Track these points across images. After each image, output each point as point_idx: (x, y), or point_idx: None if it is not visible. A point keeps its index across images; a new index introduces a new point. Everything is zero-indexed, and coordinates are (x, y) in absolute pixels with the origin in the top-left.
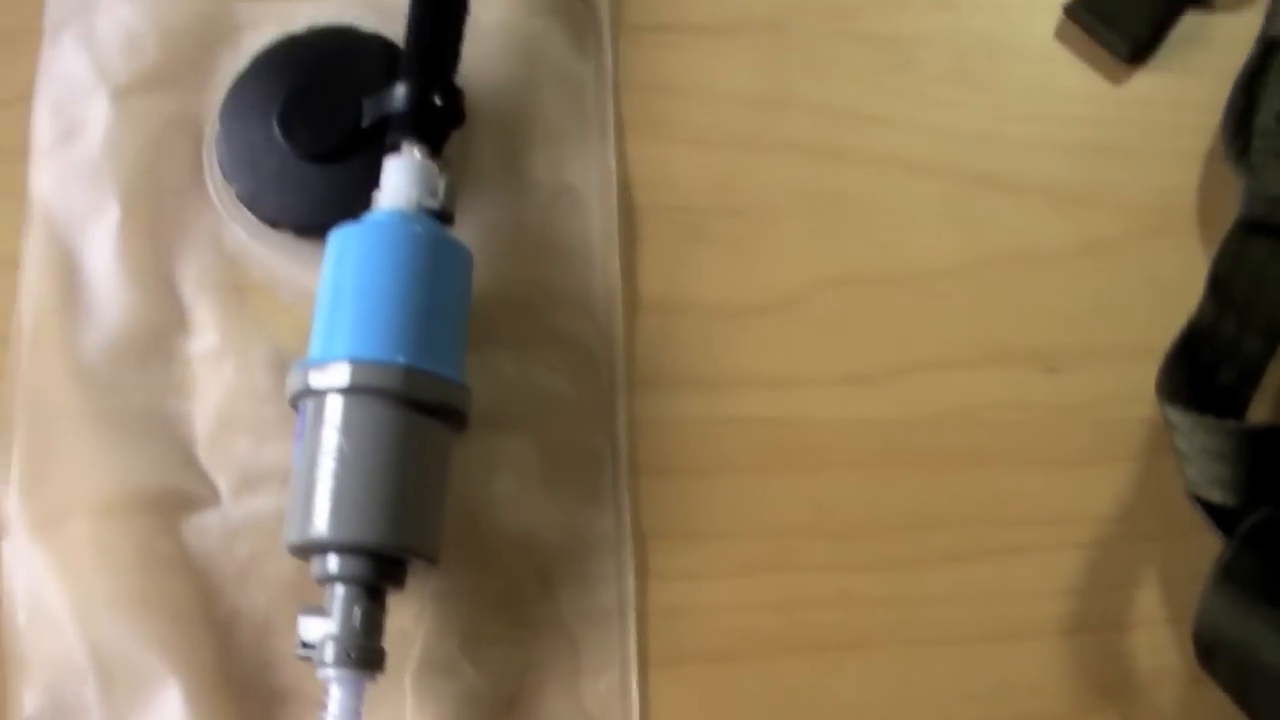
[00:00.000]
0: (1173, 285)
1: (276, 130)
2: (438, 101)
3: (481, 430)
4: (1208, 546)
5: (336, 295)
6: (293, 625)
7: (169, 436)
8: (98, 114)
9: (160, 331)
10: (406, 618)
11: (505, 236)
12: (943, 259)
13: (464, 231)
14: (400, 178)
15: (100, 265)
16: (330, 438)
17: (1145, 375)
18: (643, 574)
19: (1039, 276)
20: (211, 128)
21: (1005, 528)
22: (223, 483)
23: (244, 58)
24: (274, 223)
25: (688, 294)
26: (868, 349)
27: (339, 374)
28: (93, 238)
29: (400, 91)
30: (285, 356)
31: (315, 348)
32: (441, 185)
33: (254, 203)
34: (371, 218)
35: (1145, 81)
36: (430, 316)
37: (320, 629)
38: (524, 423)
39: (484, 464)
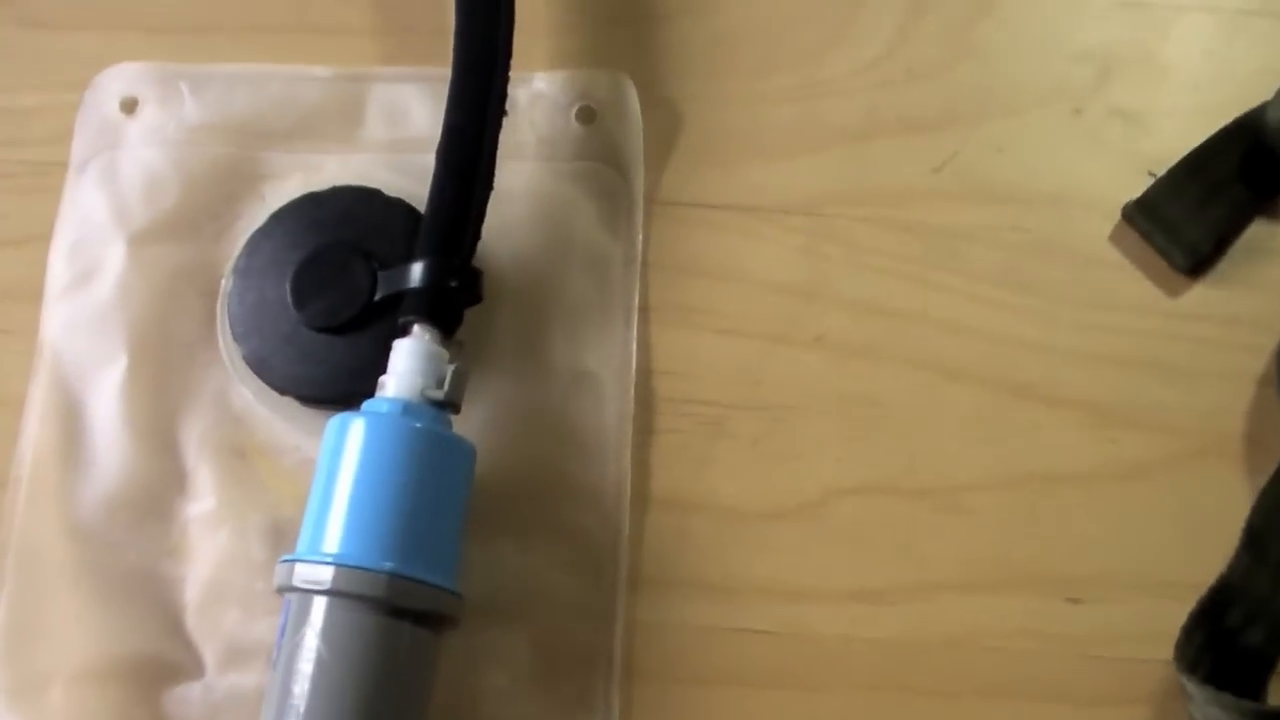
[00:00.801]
0: (1211, 518)
1: (289, 296)
2: (453, 284)
3: (476, 619)
4: None
5: (329, 487)
6: None
7: (158, 601)
8: (113, 259)
9: (158, 491)
10: None
11: (517, 419)
12: (972, 473)
13: (474, 409)
14: (407, 363)
15: (103, 416)
16: (310, 640)
17: (1171, 613)
18: None
19: (1071, 499)
20: (226, 282)
21: None
22: (208, 654)
23: (264, 212)
24: (280, 389)
25: (703, 493)
26: (885, 564)
27: (323, 575)
28: (98, 386)
29: (416, 270)
30: (283, 527)
31: (305, 539)
32: (449, 374)
33: (261, 368)
34: (371, 407)
35: (1202, 294)
36: (424, 517)
37: None
38: (520, 616)
39: (476, 656)
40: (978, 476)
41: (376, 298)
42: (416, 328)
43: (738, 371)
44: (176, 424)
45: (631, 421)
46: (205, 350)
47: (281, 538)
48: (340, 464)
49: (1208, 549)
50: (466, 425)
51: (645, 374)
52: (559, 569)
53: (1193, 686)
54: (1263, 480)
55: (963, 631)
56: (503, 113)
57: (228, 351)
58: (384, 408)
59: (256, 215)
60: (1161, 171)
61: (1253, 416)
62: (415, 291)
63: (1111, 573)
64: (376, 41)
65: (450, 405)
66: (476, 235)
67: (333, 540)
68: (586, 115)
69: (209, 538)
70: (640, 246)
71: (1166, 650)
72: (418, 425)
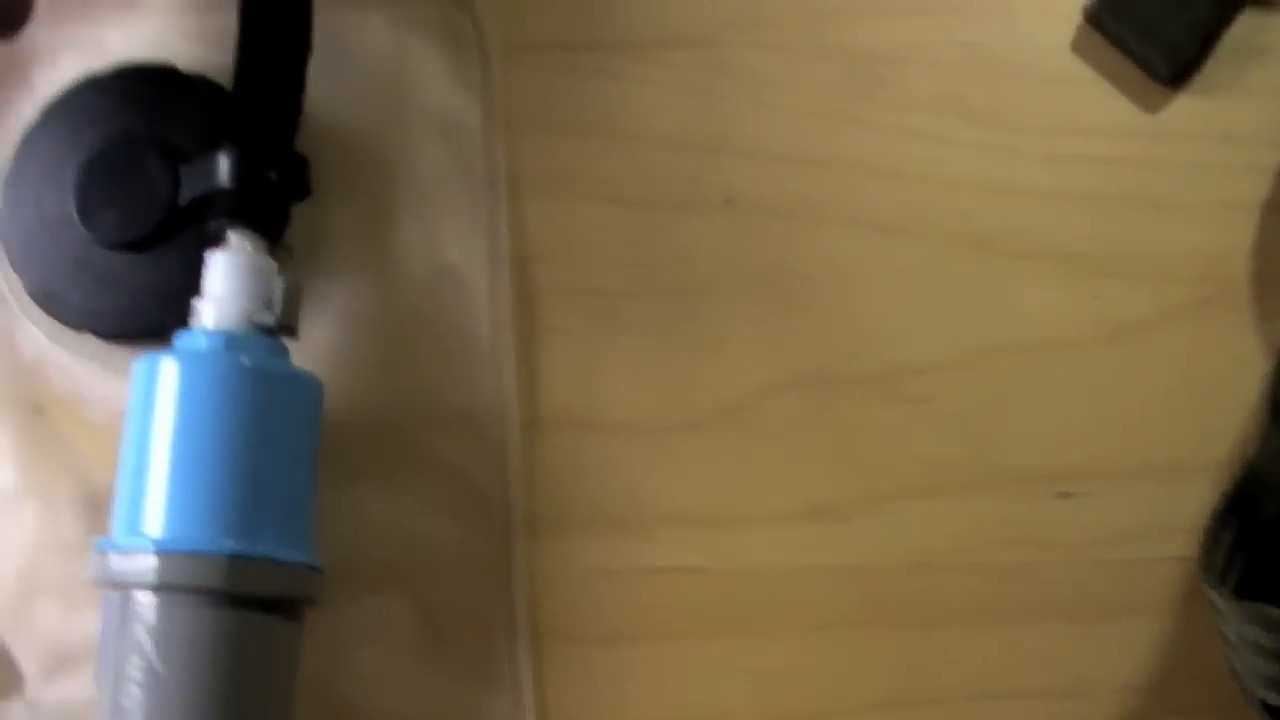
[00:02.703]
0: (1221, 381)
1: (73, 209)
2: (274, 176)
3: (342, 589)
4: None
5: (143, 450)
6: None
7: None
8: None
9: None
10: None
11: (367, 334)
12: (927, 351)
13: (313, 330)
14: (225, 284)
15: None
16: (138, 645)
17: (1182, 502)
18: None
19: (1050, 373)
20: None
21: (1004, 703)
22: (27, 662)
23: (34, 104)
24: (76, 326)
25: (602, 405)
26: (832, 473)
27: (145, 565)
28: None
29: (225, 164)
30: (98, 498)
31: (120, 518)
32: (279, 291)
33: (50, 301)
34: (186, 343)
35: (1188, 108)
36: (265, 478)
37: None
38: (396, 579)
39: (344, 634)
40: (935, 355)
41: (181, 202)
42: (233, 235)
43: (631, 250)
44: None
45: (510, 325)
46: None
47: (98, 511)
48: (153, 419)
49: (1220, 420)
50: (305, 352)
51: (519, 262)
52: (437, 515)
53: (1223, 602)
54: None
55: (931, 548)
56: None
57: (7, 283)
58: (202, 343)
59: (24, 109)
60: None
61: (1262, 254)
62: (227, 191)
63: (1106, 458)
64: None
65: (284, 330)
66: (297, 111)
67: (154, 518)
68: None
69: (12, 520)
70: (499, 102)
71: (1180, 545)
72: (245, 362)
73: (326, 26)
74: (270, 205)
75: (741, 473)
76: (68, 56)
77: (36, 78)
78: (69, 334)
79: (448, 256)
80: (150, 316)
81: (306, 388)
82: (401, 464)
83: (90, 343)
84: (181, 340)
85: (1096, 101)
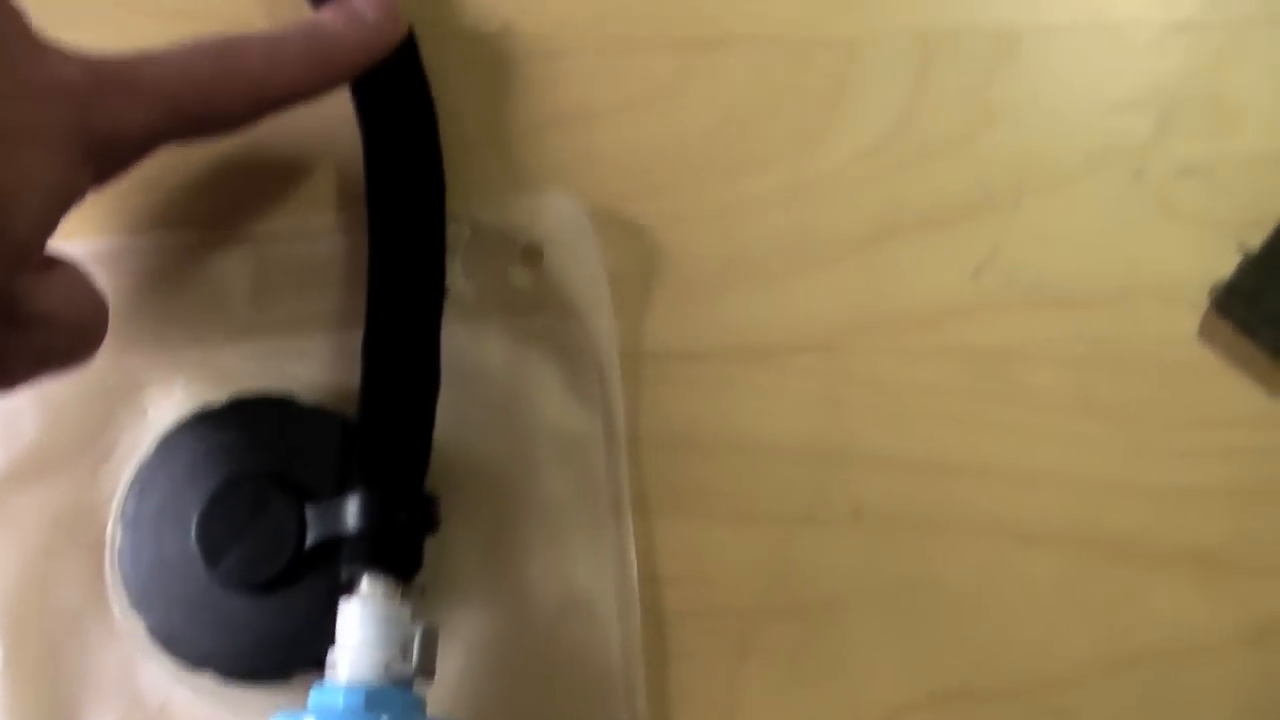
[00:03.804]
0: None
1: (196, 551)
2: (404, 518)
3: None
4: None
5: None
6: None
7: None
8: None
9: None
10: None
11: (496, 666)
12: (1067, 663)
13: (441, 660)
14: (360, 634)
15: None
16: None
17: None
18: None
19: (1196, 680)
20: (113, 534)
21: None
22: None
23: (149, 432)
24: (197, 666)
25: None
26: None
27: None
28: None
29: (354, 508)
30: None
31: None
32: (417, 637)
33: (171, 641)
34: (323, 700)
35: None
36: None
37: None
38: None
39: None
40: (1075, 666)
41: (308, 544)
42: (366, 582)
43: (760, 567)
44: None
45: (641, 653)
46: (98, 622)
47: None
48: None
49: None
50: (435, 685)
51: (648, 583)
52: None
53: None
54: None
55: None
56: (443, 289)
57: (127, 623)
58: (339, 701)
59: (140, 437)
60: (1255, 241)
61: None
62: (357, 535)
63: None
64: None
65: (422, 675)
66: (427, 449)
67: None
68: (532, 255)
69: None
70: (621, 417)
71: None
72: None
73: (444, 343)
74: (402, 548)
75: None
76: (179, 380)
77: (149, 405)
78: (190, 674)
79: (576, 583)
80: (273, 658)
81: None
82: None
83: (212, 682)
84: (317, 697)
85: (1227, 391)
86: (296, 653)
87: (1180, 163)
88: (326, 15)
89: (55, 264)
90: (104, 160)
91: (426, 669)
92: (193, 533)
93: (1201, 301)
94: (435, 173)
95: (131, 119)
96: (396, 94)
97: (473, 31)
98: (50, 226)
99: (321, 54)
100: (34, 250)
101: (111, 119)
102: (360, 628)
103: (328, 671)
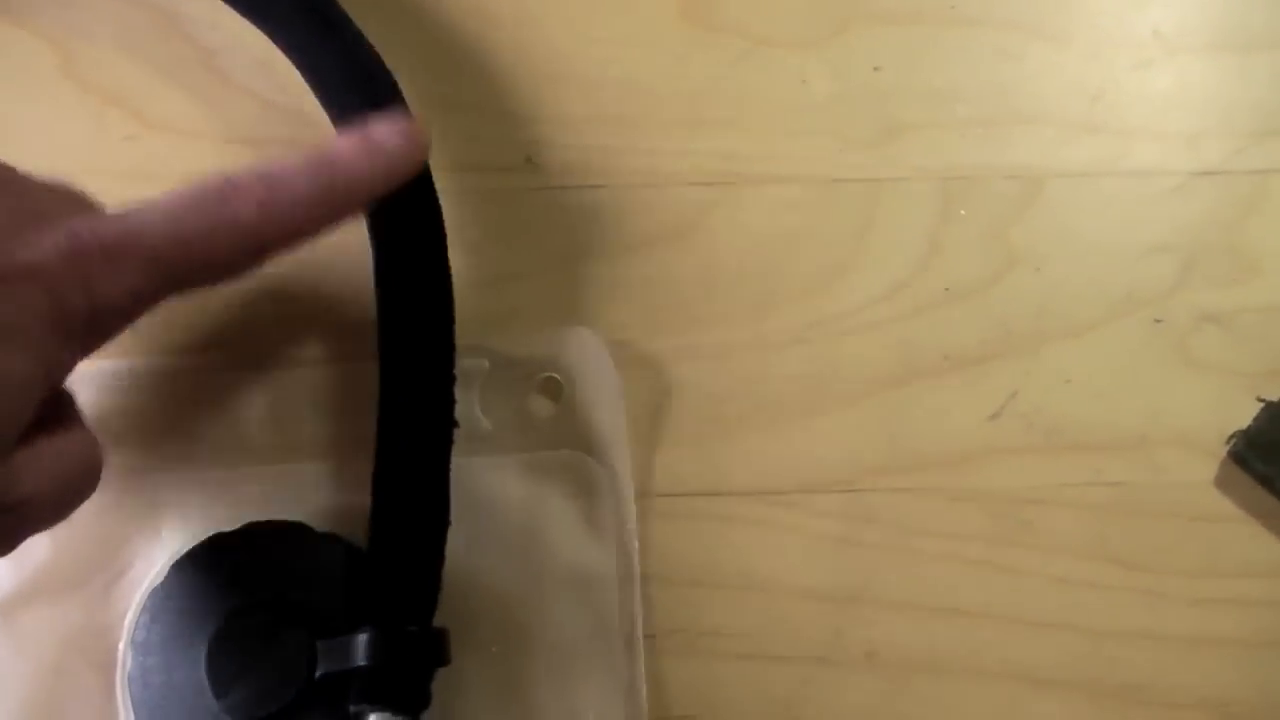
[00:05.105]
0: None
1: (205, 680)
2: (412, 656)
3: None
4: None
5: None
6: None
7: None
8: None
9: None
10: None
11: None
12: None
13: None
14: None
15: None
16: None
17: None
18: None
19: None
20: (125, 657)
21: None
22: None
23: (162, 552)
24: None
25: None
26: None
27: None
28: None
29: (363, 643)
30: None
31: None
32: None
33: None
34: None
35: None
36: None
37: None
38: None
39: None
40: None
41: (316, 676)
42: (373, 718)
43: (773, 708)
44: None
45: None
46: None
47: None
48: None
49: None
50: None
51: None
52: None
53: None
54: None
55: None
56: (452, 421)
57: None
58: None
59: (154, 557)
60: (1273, 393)
61: None
62: (366, 671)
63: None
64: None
65: None
66: (437, 585)
67: None
68: (551, 389)
69: None
70: (636, 555)
71: None
72: None
73: (457, 474)
74: (409, 685)
75: None
76: (195, 501)
77: (164, 526)
78: None
79: None
80: None
81: None
82: None
83: None
84: None
85: (1244, 541)
86: None
87: (1201, 311)
88: (342, 144)
89: (37, 434)
90: (88, 335)
91: None
92: (202, 662)
93: (1220, 450)
94: (445, 302)
95: (115, 289)
96: (408, 218)
97: (493, 165)
98: (28, 415)
99: (330, 192)
100: (12, 440)
101: (91, 295)
102: None
103: None
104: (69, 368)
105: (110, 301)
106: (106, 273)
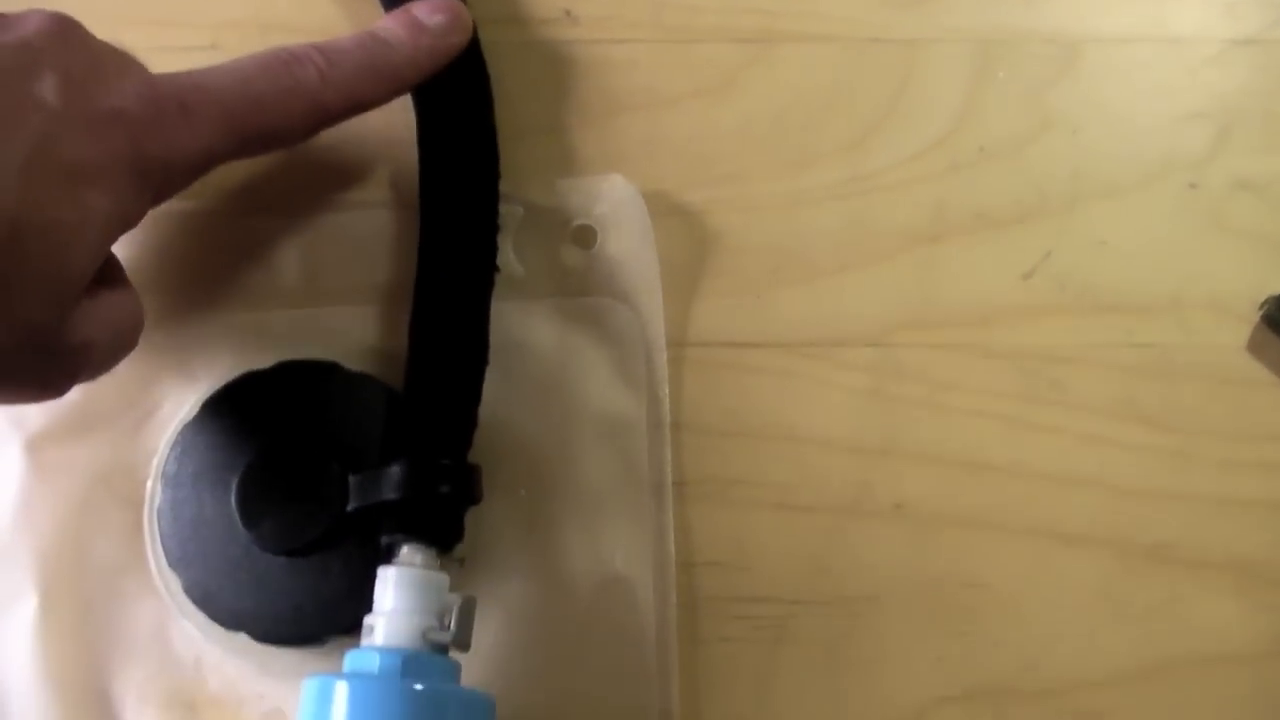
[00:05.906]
0: None
1: (235, 512)
2: (446, 489)
3: None
4: None
5: None
6: None
7: None
8: (8, 469)
9: None
10: None
11: (534, 639)
12: (1103, 664)
13: (480, 631)
14: (397, 601)
15: (15, 670)
16: None
17: None
18: None
19: (1228, 688)
20: (153, 491)
21: None
22: None
23: (194, 393)
24: (232, 626)
25: (767, 718)
26: None
27: None
28: (4, 634)
29: (396, 475)
30: None
31: None
32: (456, 607)
33: (206, 600)
34: (359, 663)
35: None
36: None
37: None
38: None
39: None
40: (1109, 669)
41: (348, 509)
42: (406, 550)
43: (800, 557)
44: (108, 674)
45: (676, 636)
46: (135, 578)
47: None
48: None
49: None
50: (471, 654)
51: (686, 568)
52: None
53: None
54: None
55: None
56: (494, 264)
57: (163, 579)
58: (375, 664)
59: (185, 397)
60: None
61: None
62: (398, 504)
63: None
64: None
65: (458, 645)
66: (472, 423)
67: None
68: (585, 237)
69: None
70: (666, 402)
71: None
72: (419, 687)
73: (493, 320)
74: (443, 519)
75: None
76: (227, 343)
77: (196, 366)
78: (224, 633)
79: (614, 563)
80: (309, 622)
81: (479, 708)
82: None
83: (245, 642)
84: (353, 660)
85: (1274, 405)
86: (331, 618)
87: (1236, 177)
88: (387, 23)
89: (99, 287)
90: (162, 184)
91: (463, 639)
92: (233, 495)
93: (1252, 315)
94: (489, 151)
95: (189, 143)
96: (453, 75)
97: (533, 18)
98: (103, 256)
99: (381, 66)
100: (86, 282)
101: (169, 146)
102: (399, 594)
103: (364, 636)
104: (139, 217)
105: (184, 154)
106: (183, 125)
